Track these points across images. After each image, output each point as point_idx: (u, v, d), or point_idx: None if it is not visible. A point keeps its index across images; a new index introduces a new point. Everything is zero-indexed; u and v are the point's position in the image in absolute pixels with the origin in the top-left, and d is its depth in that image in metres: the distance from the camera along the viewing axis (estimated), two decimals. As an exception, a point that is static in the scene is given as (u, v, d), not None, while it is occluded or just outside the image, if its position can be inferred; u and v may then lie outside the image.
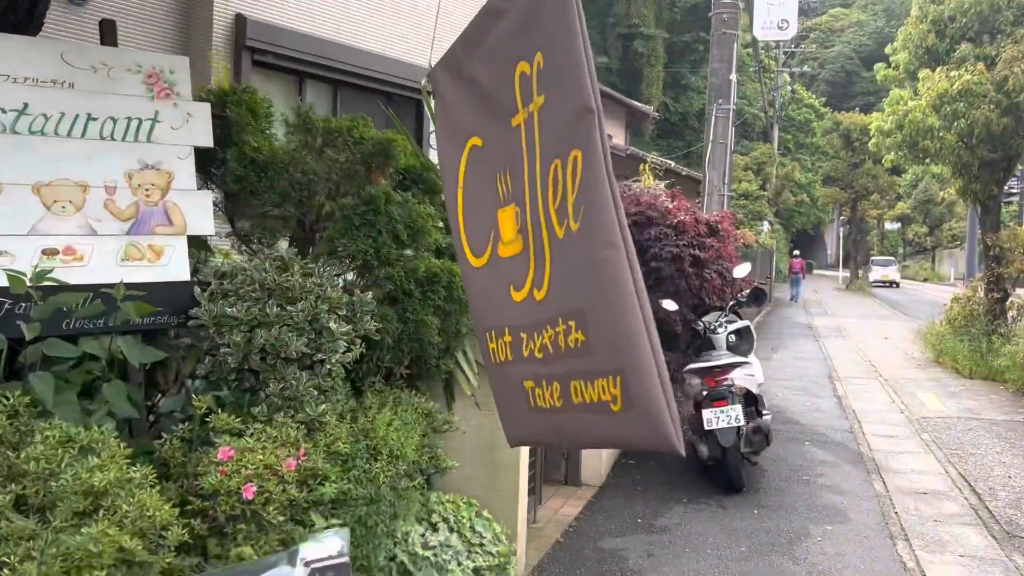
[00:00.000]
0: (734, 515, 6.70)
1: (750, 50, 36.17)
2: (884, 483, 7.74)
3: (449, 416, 4.61)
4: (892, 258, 49.22)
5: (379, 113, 8.31)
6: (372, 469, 3.74)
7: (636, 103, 32.93)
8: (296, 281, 3.86)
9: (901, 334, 19.32)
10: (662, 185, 13.93)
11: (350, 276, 4.42)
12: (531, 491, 6.34)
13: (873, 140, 15.43)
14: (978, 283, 15.47)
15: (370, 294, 4.06)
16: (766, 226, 30.16)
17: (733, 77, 13.61)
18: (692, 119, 38.85)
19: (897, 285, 43.46)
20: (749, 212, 29.52)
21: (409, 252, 4.37)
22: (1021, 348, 12.42)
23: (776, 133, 41.13)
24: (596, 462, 7.79)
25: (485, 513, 4.79)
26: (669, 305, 8.47)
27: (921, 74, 14.16)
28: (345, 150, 4.25)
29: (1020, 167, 18.16)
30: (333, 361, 3.87)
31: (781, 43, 42.51)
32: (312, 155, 4.27)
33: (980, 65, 13.37)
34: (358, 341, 4.01)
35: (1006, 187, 18.93)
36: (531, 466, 6.28)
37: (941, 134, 13.26)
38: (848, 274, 46.04)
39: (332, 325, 3.84)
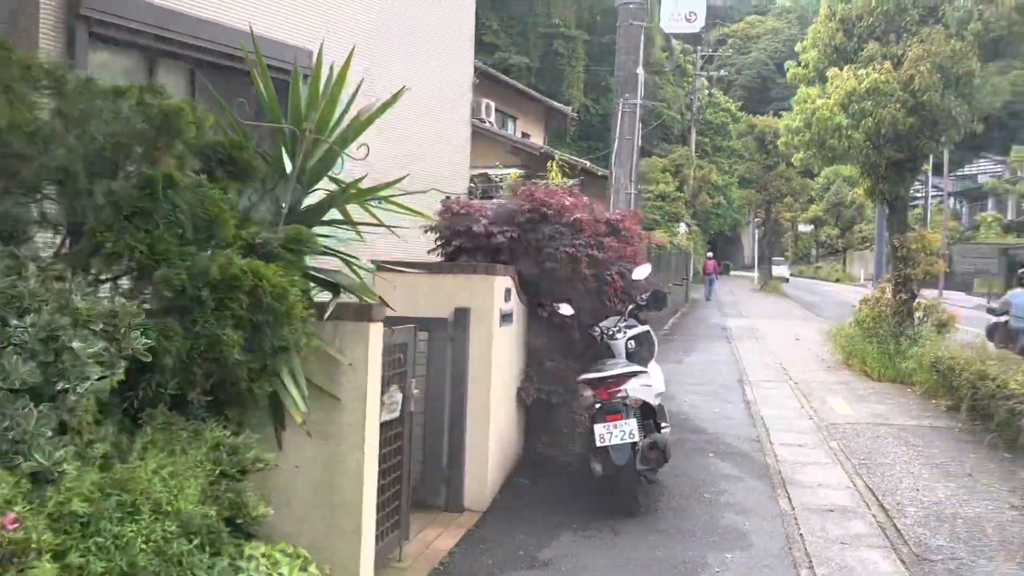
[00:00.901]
0: (627, 543, 6.03)
1: (668, 53, 36.24)
2: (790, 499, 7.21)
3: (261, 452, 3.75)
4: (783, 258, 54.00)
5: (251, 100, 7.35)
6: (124, 533, 2.85)
7: (555, 103, 32.46)
8: (27, 288, 2.94)
9: (812, 335, 19.24)
10: (570, 183, 13.30)
11: (126, 282, 3.51)
12: (394, 525, 5.52)
13: (783, 139, 15.17)
14: (885, 284, 15.37)
15: (136, 304, 3.17)
16: (683, 228, 30.14)
17: (640, 71, 13.09)
18: (612, 120, 38.55)
19: (787, 281, 48.52)
20: (666, 213, 29.41)
21: (198, 250, 3.49)
22: (928, 350, 12.24)
23: (694, 136, 41.41)
24: (481, 484, 7.02)
25: (312, 568, 3.94)
26: (564, 310, 7.82)
27: (830, 72, 13.94)
28: (115, 122, 3.34)
29: (925, 168, 18.22)
30: (81, 390, 2.97)
31: (699, 49, 42.86)
32: (71, 126, 3.34)
33: (887, 64, 13.20)
34: (123, 363, 3.12)
35: (912, 189, 19.07)
36: (394, 496, 5.47)
37: (849, 133, 13.03)
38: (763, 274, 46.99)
39: (76, 344, 2.93)
